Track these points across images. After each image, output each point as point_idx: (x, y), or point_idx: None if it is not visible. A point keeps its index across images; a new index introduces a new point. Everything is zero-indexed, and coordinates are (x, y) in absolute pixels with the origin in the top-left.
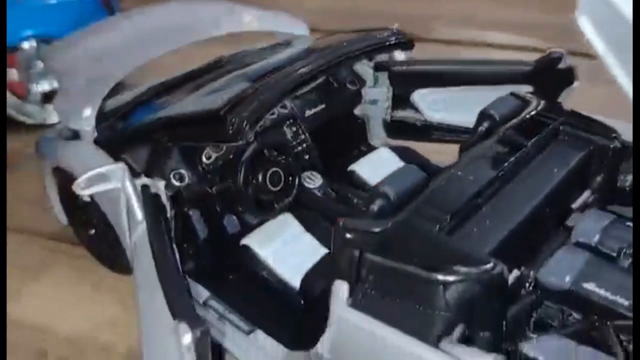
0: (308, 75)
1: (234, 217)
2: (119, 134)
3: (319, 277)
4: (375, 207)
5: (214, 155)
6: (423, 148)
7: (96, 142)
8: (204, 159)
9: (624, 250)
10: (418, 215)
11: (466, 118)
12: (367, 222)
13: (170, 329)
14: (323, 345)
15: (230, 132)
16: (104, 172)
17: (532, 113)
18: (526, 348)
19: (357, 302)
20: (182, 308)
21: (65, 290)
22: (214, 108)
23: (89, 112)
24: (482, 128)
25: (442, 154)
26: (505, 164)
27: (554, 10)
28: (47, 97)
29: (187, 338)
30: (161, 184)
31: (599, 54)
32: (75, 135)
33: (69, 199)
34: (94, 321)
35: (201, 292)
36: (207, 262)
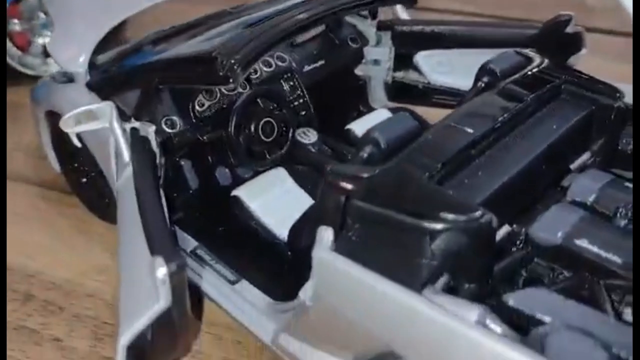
0: (305, 21)
1: (227, 169)
2: (111, 76)
3: (306, 228)
4: (364, 153)
5: (207, 103)
6: (425, 115)
7: (88, 85)
8: (196, 107)
9: (620, 210)
10: (408, 163)
11: (469, 82)
12: (355, 167)
13: (147, 267)
14: (305, 292)
15: (221, 74)
16: (92, 110)
17: (535, 70)
18: (510, 299)
19: (341, 247)
20: (160, 244)
21: (55, 238)
22: (205, 50)
23: (83, 55)
24: (481, 83)
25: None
26: (503, 118)
27: None
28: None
29: (162, 271)
30: (151, 128)
31: None
32: (69, 80)
33: (62, 146)
34: (82, 268)
35: (189, 242)
36: (196, 212)
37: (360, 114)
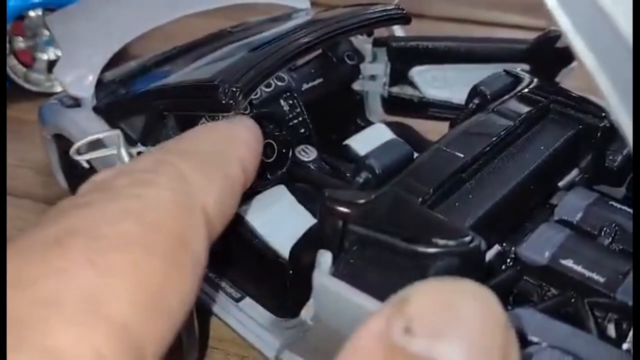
0: (304, 46)
1: None
2: (117, 102)
3: (307, 247)
4: (360, 179)
5: None
6: (421, 127)
7: (95, 109)
8: None
9: (605, 229)
10: (401, 188)
11: (463, 95)
12: (352, 193)
13: None
14: (307, 312)
15: (223, 101)
16: (100, 139)
17: (524, 90)
18: None
19: (339, 271)
20: None
21: None
22: (207, 77)
23: (89, 80)
24: (472, 104)
25: (439, 133)
26: (492, 140)
27: None
28: (53, 65)
29: None
30: None
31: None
32: (76, 103)
33: (70, 166)
34: None
35: None
36: None
37: (358, 128)
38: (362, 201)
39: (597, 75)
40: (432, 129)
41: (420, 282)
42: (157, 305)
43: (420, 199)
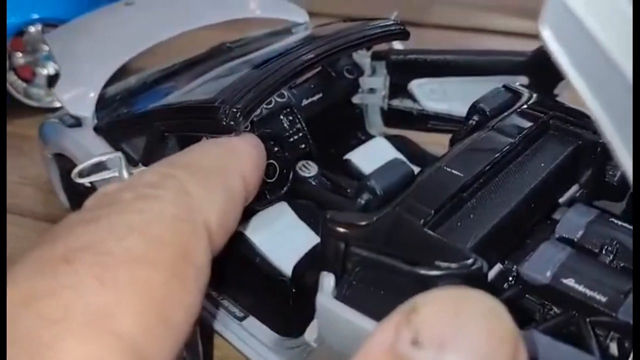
0: (305, 64)
1: None
2: (118, 122)
3: (309, 266)
4: (362, 200)
5: None
6: (420, 138)
7: (96, 129)
8: None
9: (606, 246)
10: (403, 210)
11: (462, 108)
12: (353, 215)
13: None
14: (310, 333)
15: (224, 123)
16: (102, 161)
17: (523, 107)
18: None
19: (342, 293)
20: None
21: None
22: (207, 98)
23: (89, 99)
24: (472, 121)
25: (438, 145)
26: (493, 158)
27: None
28: (53, 80)
29: None
30: None
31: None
32: (77, 122)
33: (71, 184)
34: None
35: None
36: None
37: (358, 141)
38: (363, 223)
39: (598, 117)
40: (432, 141)
41: (429, 291)
42: (162, 318)
43: (422, 221)
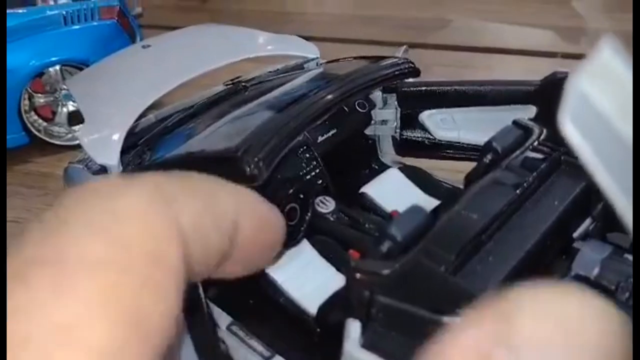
0: (323, 109)
1: None
2: (142, 169)
3: (334, 308)
4: (384, 248)
5: None
6: (432, 164)
7: None
8: None
9: (622, 284)
10: (424, 256)
11: (473, 136)
12: (377, 263)
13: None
14: None
15: (247, 174)
16: None
17: (534, 144)
18: None
19: (368, 341)
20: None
21: None
22: (229, 147)
23: (114, 148)
24: (485, 160)
25: (450, 170)
26: (508, 199)
27: (570, 15)
28: (74, 118)
29: None
30: None
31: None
32: (102, 167)
33: None
34: None
35: (225, 318)
36: (229, 289)
37: (372, 171)
38: (386, 272)
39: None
40: (444, 166)
41: (526, 287)
42: (134, 324)
43: (443, 267)
